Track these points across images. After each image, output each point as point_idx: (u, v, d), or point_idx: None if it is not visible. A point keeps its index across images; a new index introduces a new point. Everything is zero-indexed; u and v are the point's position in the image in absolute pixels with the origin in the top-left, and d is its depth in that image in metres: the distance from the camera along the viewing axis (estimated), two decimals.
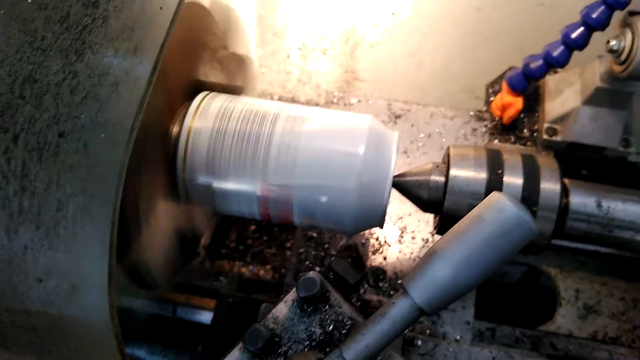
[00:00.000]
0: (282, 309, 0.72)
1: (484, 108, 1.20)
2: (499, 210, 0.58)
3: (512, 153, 0.84)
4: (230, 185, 0.85)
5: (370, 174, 0.82)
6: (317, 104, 1.60)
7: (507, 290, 1.40)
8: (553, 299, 1.24)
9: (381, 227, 0.87)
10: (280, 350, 0.69)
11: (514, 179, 0.80)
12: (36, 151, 0.56)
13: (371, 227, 0.89)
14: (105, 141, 0.55)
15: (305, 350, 0.69)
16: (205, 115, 0.87)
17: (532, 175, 0.80)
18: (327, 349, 0.69)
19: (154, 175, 0.81)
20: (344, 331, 0.70)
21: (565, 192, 0.82)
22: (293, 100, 1.63)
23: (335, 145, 0.83)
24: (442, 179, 0.84)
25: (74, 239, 0.55)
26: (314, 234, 1.09)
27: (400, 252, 1.07)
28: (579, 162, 1.25)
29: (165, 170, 0.85)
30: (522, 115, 1.18)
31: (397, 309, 0.60)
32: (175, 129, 0.86)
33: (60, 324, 0.58)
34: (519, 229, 0.57)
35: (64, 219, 0.54)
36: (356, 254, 0.83)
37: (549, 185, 0.80)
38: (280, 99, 1.64)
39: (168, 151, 0.85)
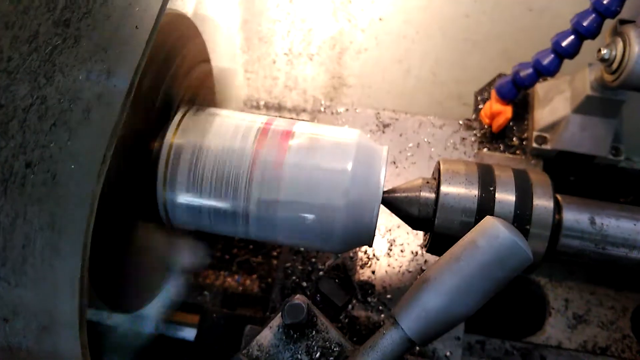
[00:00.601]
0: (266, 335, 0.69)
1: (473, 116, 1.18)
2: (494, 236, 0.56)
3: (504, 169, 0.82)
4: (212, 203, 0.82)
5: (359, 191, 0.79)
6: (304, 110, 1.57)
7: (496, 300, 1.39)
8: (542, 308, 1.23)
9: (370, 245, 0.84)
10: None
11: (506, 196, 0.78)
12: (1, 182, 0.52)
13: (360, 246, 0.86)
14: (76, 172, 0.51)
15: None
16: (186, 130, 0.83)
17: (524, 192, 0.78)
18: None
19: (132, 194, 0.77)
20: (331, 358, 0.68)
21: (558, 208, 0.80)
22: (279, 106, 1.60)
23: (322, 162, 0.80)
24: (432, 195, 0.81)
25: (42, 276, 0.51)
26: (301, 249, 1.06)
27: (389, 265, 1.04)
28: (569, 169, 1.24)
29: (144, 189, 0.81)
30: (511, 123, 1.16)
31: (387, 341, 0.58)
32: (156, 145, 0.82)
33: None
34: (514, 256, 0.55)
35: (31, 255, 0.51)
36: (344, 274, 0.80)
37: (542, 202, 0.78)
38: (266, 105, 1.60)
39: (148, 169, 0.81)
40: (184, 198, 0.82)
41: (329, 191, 0.78)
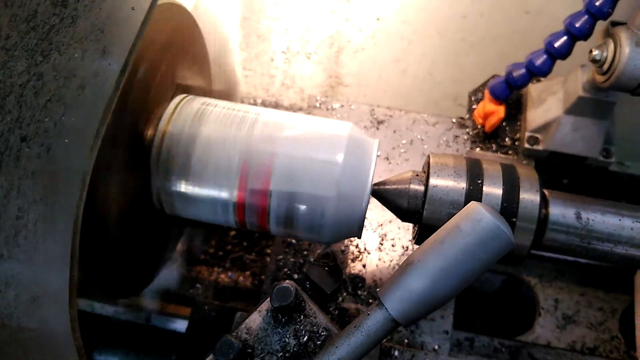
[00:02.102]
0: (255, 319, 0.70)
1: (467, 116, 1.20)
2: (477, 220, 0.57)
3: (492, 163, 0.83)
4: (205, 191, 0.83)
5: (349, 183, 0.80)
6: (300, 109, 1.58)
7: (487, 299, 1.40)
8: (532, 308, 1.24)
9: (359, 237, 0.85)
10: None
11: (493, 189, 0.80)
12: None
13: (349, 237, 0.87)
14: (69, 147, 0.53)
15: None
16: (180, 118, 0.85)
17: (511, 186, 0.80)
18: None
19: (126, 180, 0.78)
20: (318, 342, 0.69)
21: (544, 202, 0.81)
22: (276, 105, 1.62)
23: (314, 153, 0.81)
24: (421, 188, 0.83)
25: (34, 248, 0.52)
26: (293, 241, 1.07)
27: (380, 259, 1.05)
28: (560, 170, 1.25)
29: (138, 176, 0.83)
30: (504, 123, 1.18)
31: (372, 321, 0.59)
32: (150, 133, 0.83)
33: (19, 337, 0.55)
34: (496, 239, 0.57)
35: (24, 227, 0.52)
36: (333, 262, 0.81)
37: (529, 196, 0.79)
38: (263, 102, 1.62)
39: (142, 155, 0.82)
40: (176, 186, 0.83)
41: (320, 182, 0.80)
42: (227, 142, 0.82)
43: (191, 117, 0.84)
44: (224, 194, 0.82)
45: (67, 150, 0.53)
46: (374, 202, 0.91)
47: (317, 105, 1.20)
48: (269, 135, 0.82)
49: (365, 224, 0.94)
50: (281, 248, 1.07)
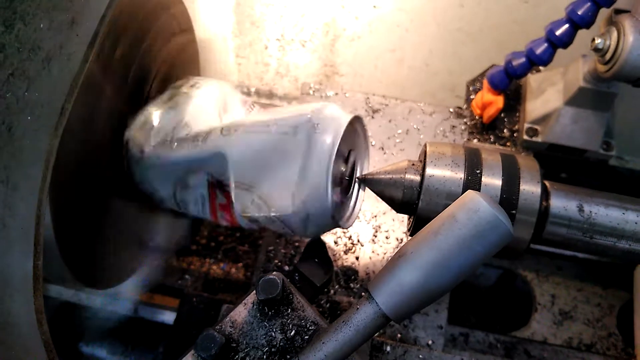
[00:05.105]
0: (241, 312, 0.67)
1: (464, 106, 1.17)
2: (474, 210, 0.54)
3: (491, 152, 0.80)
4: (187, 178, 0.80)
5: (307, 195, 0.76)
6: (295, 98, 1.55)
7: (483, 293, 1.37)
8: (529, 303, 1.21)
9: (342, 227, 0.82)
10: (237, 356, 0.64)
11: (492, 180, 0.76)
12: None
13: (326, 229, 0.83)
14: (33, 124, 0.49)
15: (264, 357, 0.64)
16: (163, 105, 0.81)
17: (511, 177, 0.76)
18: (288, 356, 0.64)
19: (105, 167, 0.75)
20: (306, 337, 0.66)
21: (545, 194, 0.78)
22: (270, 94, 1.58)
23: (275, 133, 0.77)
24: (417, 177, 0.79)
25: None
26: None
27: (373, 252, 1.03)
28: (559, 164, 1.22)
29: (118, 163, 0.79)
30: (502, 114, 1.15)
31: (361, 316, 0.56)
32: (130, 120, 0.80)
33: None
34: (494, 230, 0.53)
35: None
36: (324, 254, 0.78)
37: (529, 187, 0.76)
38: (257, 91, 1.58)
39: (121, 143, 0.79)
40: (157, 177, 0.80)
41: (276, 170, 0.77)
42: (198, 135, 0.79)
43: (169, 103, 0.81)
44: (199, 186, 0.80)
45: (30, 128, 0.49)
46: (367, 192, 0.88)
47: (311, 92, 1.16)
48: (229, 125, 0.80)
49: (358, 215, 0.90)
50: (272, 239, 1.04)
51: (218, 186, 0.81)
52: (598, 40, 0.93)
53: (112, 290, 1.16)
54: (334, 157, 0.75)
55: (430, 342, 0.94)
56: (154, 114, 0.80)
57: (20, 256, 0.49)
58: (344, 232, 1.04)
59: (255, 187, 0.77)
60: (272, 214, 0.77)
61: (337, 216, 0.80)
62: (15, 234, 0.48)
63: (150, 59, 0.83)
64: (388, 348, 0.81)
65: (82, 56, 0.51)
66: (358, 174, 0.87)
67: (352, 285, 0.98)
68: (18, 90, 0.49)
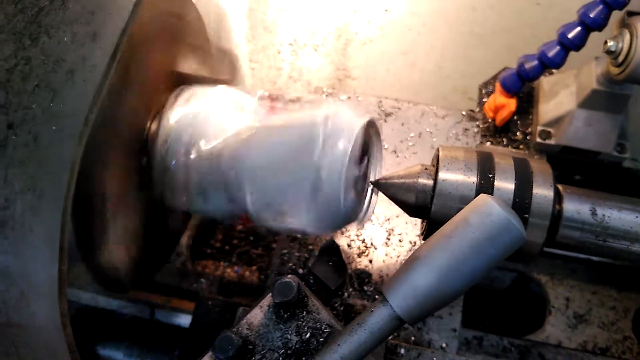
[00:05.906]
0: (257, 315, 0.68)
1: (477, 109, 1.17)
2: (487, 214, 0.55)
3: (504, 156, 0.80)
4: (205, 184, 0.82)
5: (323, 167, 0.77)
6: (307, 102, 1.55)
7: (497, 297, 1.37)
8: (543, 306, 1.21)
9: (345, 225, 0.84)
10: (253, 358, 0.65)
11: (505, 184, 0.77)
12: None
13: (336, 227, 0.85)
14: (58, 134, 0.51)
15: (280, 359, 0.65)
16: (183, 110, 0.83)
17: (524, 180, 0.77)
18: (303, 359, 0.65)
19: (125, 172, 0.77)
20: (321, 339, 0.66)
21: (558, 198, 0.78)
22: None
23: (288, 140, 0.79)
24: (430, 182, 0.80)
25: (22, 240, 0.50)
26: (298, 235, 1.05)
27: (386, 255, 1.03)
28: (572, 166, 1.22)
29: (138, 168, 0.81)
30: (515, 117, 1.15)
31: (375, 318, 0.56)
32: (153, 126, 0.82)
33: (9, 332, 0.53)
34: (507, 234, 0.54)
35: (11, 218, 0.50)
36: (338, 257, 0.79)
37: (542, 191, 0.76)
38: (270, 96, 1.59)
39: (143, 147, 0.81)
40: (179, 179, 0.82)
41: (295, 168, 0.78)
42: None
43: (194, 109, 0.83)
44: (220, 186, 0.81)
45: (55, 138, 0.51)
46: (380, 196, 0.89)
47: (324, 97, 1.17)
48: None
49: (372, 218, 0.91)
50: (286, 242, 1.05)
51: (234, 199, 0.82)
52: (610, 43, 0.93)
53: (130, 294, 1.18)
54: (347, 163, 0.76)
55: (444, 345, 0.94)
56: (172, 120, 0.82)
57: (46, 261, 0.51)
58: (357, 235, 1.05)
59: (270, 196, 0.78)
60: (289, 221, 0.79)
61: (350, 218, 0.81)
62: (41, 240, 0.50)
63: (165, 65, 0.85)
64: (402, 350, 0.82)
65: (105, 68, 0.52)
66: (372, 176, 0.88)
67: (365, 288, 0.99)
68: (43, 101, 0.51)
